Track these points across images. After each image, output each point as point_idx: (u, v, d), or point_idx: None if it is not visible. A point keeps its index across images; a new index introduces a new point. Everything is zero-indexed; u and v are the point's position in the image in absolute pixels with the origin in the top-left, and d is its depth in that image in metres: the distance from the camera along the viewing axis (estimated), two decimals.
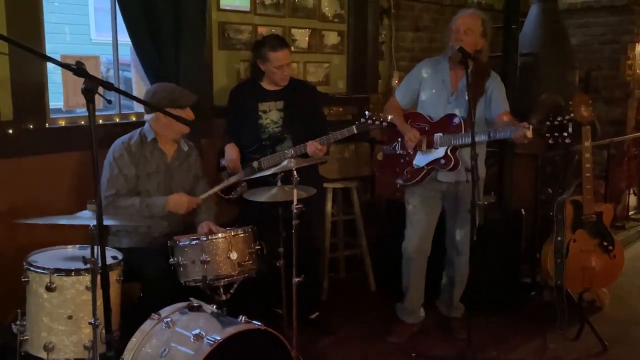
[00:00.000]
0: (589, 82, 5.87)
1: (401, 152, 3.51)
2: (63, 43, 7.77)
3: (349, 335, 3.63)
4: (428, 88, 3.45)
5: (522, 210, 4.05)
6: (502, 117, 3.31)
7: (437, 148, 3.35)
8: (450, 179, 3.41)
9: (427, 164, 3.39)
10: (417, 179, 3.43)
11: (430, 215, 3.53)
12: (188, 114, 3.04)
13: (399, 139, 3.51)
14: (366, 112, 3.21)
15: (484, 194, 3.68)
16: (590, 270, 3.66)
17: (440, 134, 3.34)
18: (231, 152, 3.53)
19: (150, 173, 3.11)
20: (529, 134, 3.03)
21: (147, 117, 3.16)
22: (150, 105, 2.88)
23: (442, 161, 3.33)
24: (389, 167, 3.61)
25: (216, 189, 3.27)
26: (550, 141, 3.02)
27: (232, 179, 3.35)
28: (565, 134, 2.96)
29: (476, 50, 3.29)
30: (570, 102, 3.42)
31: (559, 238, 3.62)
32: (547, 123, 3.00)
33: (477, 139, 3.12)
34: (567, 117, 2.97)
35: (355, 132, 3.25)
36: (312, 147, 3.31)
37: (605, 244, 3.68)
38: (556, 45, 5.11)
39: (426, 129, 3.41)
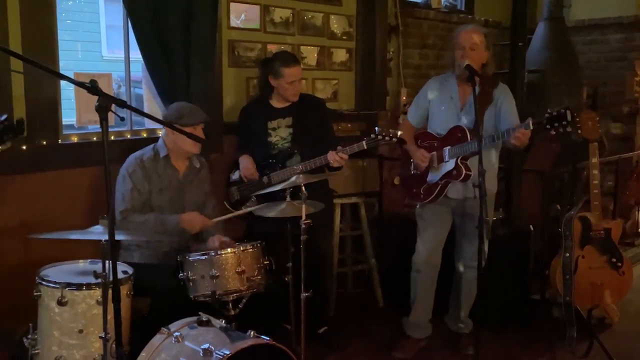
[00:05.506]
0: (596, 99, 5.88)
1: (415, 171, 3.54)
2: (75, 60, 7.88)
3: (356, 350, 3.63)
4: (437, 105, 3.48)
5: (531, 226, 4.05)
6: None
7: (448, 161, 3.37)
8: (458, 195, 3.43)
9: (441, 178, 3.41)
10: (433, 195, 3.44)
11: (440, 229, 3.55)
12: (198, 132, 3.08)
13: (412, 160, 3.54)
14: (376, 128, 3.22)
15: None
16: (599, 286, 3.64)
17: (449, 147, 3.37)
18: (246, 162, 3.56)
19: (162, 189, 3.16)
20: (527, 133, 3.08)
21: (162, 132, 3.29)
22: (154, 119, 2.86)
23: (454, 172, 3.35)
24: (406, 189, 3.63)
25: (231, 215, 3.26)
26: (552, 132, 3.04)
27: (247, 209, 3.28)
28: (565, 122, 2.98)
29: (483, 64, 3.33)
30: (578, 119, 3.43)
31: (568, 254, 3.61)
32: (546, 115, 3.03)
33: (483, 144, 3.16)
34: (564, 107, 3.01)
35: (365, 147, 3.25)
36: (332, 156, 3.30)
37: (614, 260, 3.66)
38: (563, 62, 5.13)
39: (435, 145, 3.43)
